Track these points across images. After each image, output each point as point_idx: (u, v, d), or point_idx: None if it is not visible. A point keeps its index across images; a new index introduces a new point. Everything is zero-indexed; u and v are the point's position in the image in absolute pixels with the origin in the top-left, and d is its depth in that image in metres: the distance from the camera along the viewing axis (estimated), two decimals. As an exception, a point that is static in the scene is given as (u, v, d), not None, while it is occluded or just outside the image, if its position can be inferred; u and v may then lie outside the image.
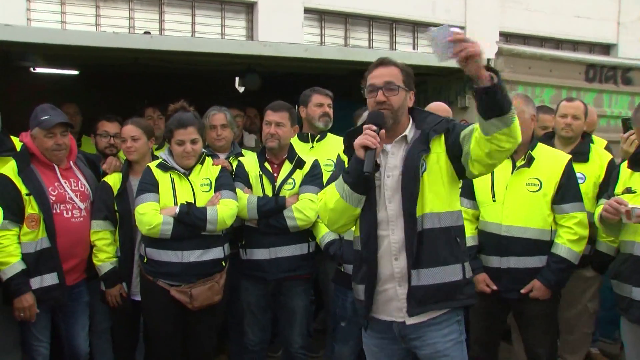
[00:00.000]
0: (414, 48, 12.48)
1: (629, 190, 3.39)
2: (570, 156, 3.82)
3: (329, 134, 4.61)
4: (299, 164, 4.02)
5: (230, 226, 3.82)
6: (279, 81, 7.17)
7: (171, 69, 6.02)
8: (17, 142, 3.86)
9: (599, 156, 4.29)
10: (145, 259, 3.74)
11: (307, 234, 4.01)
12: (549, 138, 4.45)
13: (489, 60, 5.26)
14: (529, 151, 3.71)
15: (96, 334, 4.17)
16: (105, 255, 3.89)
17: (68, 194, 3.81)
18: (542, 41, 13.95)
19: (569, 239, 3.63)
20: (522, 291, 3.66)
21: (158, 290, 3.68)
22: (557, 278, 3.64)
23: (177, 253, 3.64)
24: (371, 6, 12.07)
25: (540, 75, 5.63)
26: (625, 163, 3.56)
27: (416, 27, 12.58)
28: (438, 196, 2.66)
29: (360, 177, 2.58)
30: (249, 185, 4.00)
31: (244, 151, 4.59)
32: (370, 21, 12.35)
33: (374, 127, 2.58)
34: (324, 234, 3.89)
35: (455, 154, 2.64)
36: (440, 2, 12.64)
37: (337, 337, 3.92)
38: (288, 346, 4.11)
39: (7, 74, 5.51)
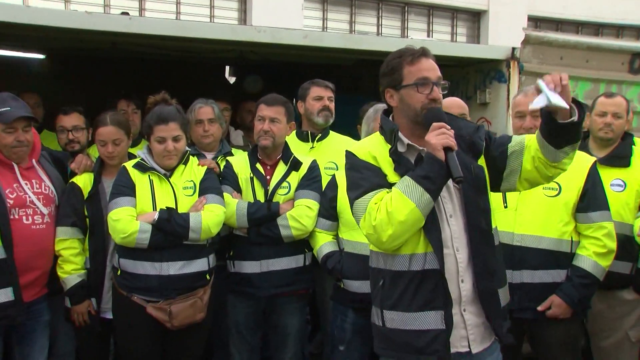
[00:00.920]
0: (428, 35, 12.50)
1: None
2: (594, 159, 3.83)
3: (331, 132, 4.63)
4: (295, 165, 4.04)
5: (217, 235, 3.83)
6: (275, 72, 7.19)
7: (152, 56, 6.04)
8: None
9: None
10: (119, 271, 3.75)
11: (303, 244, 4.02)
12: (581, 139, 4.44)
13: (513, 49, 5.27)
14: None
15: (58, 359, 4.13)
16: (72, 267, 3.89)
17: (29, 197, 3.78)
18: (578, 26, 13.81)
19: (596, 251, 3.63)
20: (539, 308, 3.65)
21: (133, 306, 3.69)
22: (580, 295, 3.63)
23: (155, 265, 3.65)
24: (381, -13, 12.14)
25: (574, 67, 5.60)
26: None
27: (431, 10, 12.60)
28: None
29: (444, 183, 2.63)
30: (239, 189, 4.01)
31: (233, 150, 4.61)
32: (380, 4, 12.38)
33: (448, 126, 2.63)
34: (322, 244, 3.91)
35: (498, 167, 2.78)
36: (459, -18, 12.63)
37: (335, 363, 3.93)
38: (280, 372, 4.12)
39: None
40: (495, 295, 2.81)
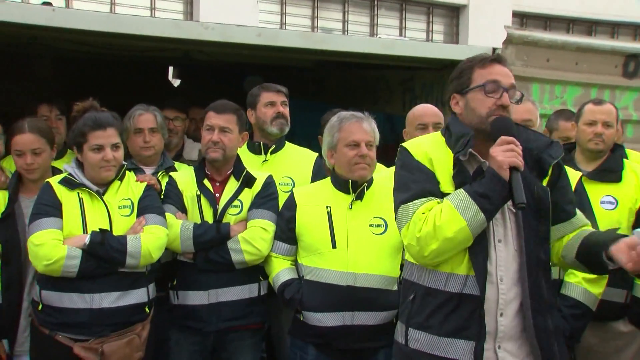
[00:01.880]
0: (400, 33, 12.59)
1: None
2: (579, 174, 3.90)
3: (287, 143, 4.67)
4: (248, 181, 4.07)
5: (158, 261, 3.83)
6: (226, 74, 7.22)
7: (81, 54, 6.00)
8: None
9: (635, 175, 4.30)
10: (40, 306, 3.70)
11: (257, 271, 4.05)
12: (566, 152, 4.49)
13: (494, 50, 5.37)
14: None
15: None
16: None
17: None
18: (569, 23, 13.93)
19: (586, 277, 3.69)
20: None
21: (56, 347, 3.64)
22: (571, 327, 3.69)
23: (84, 297, 3.62)
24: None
25: (563, 70, 5.69)
26: None
27: (404, 5, 12.71)
28: None
29: (502, 205, 2.72)
30: (183, 209, 4.02)
31: (177, 165, 4.62)
32: (346, -2, 12.47)
33: (518, 142, 2.69)
34: (279, 271, 3.93)
35: (554, 208, 2.86)
36: (436, -26, 12.75)
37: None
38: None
39: None
40: (553, 335, 2.85)
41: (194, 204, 4.02)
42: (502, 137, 2.69)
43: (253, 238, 3.92)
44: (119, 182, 3.84)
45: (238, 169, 4.10)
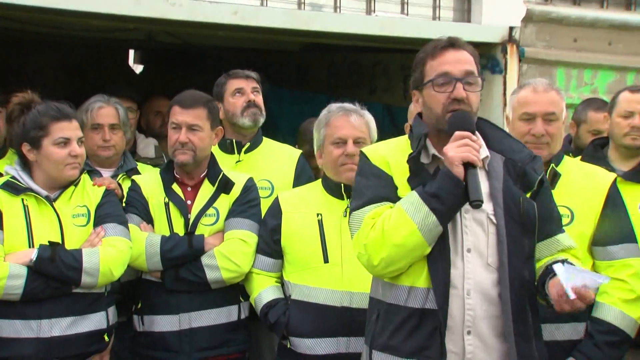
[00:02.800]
0: (402, 10, 12.57)
1: None
2: (614, 175, 3.86)
3: (265, 139, 4.65)
4: (225, 185, 4.03)
5: (118, 280, 3.80)
6: (197, 60, 7.19)
7: (27, 35, 5.94)
8: None
9: None
10: (-24, 336, 3.65)
11: (236, 291, 4.02)
12: (597, 148, 4.47)
13: (511, 29, 5.33)
14: (552, 164, 3.75)
15: None
16: None
17: None
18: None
19: (622, 297, 3.64)
20: None
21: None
22: (606, 356, 3.63)
23: (31, 324, 3.58)
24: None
25: (593, 52, 5.68)
26: None
27: (406, -22, 12.78)
28: None
29: (458, 206, 2.78)
30: (149, 218, 4.00)
31: (140, 166, 4.59)
32: (339, -31, 12.53)
33: (474, 137, 2.77)
34: (262, 290, 3.90)
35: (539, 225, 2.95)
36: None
37: None
38: None
39: None
40: None
41: (161, 212, 3.99)
42: (456, 133, 2.78)
43: (232, 252, 3.88)
44: (73, 186, 3.79)
45: (213, 171, 4.07)
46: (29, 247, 3.61)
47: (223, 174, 4.05)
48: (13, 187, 3.69)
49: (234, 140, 4.51)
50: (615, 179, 3.82)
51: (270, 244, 3.91)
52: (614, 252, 3.67)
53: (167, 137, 4.08)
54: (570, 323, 3.64)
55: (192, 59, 7.35)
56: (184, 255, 3.88)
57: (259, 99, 4.55)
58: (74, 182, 3.77)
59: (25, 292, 3.53)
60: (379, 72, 6.75)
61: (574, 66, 5.59)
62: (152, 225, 3.98)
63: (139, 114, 5.53)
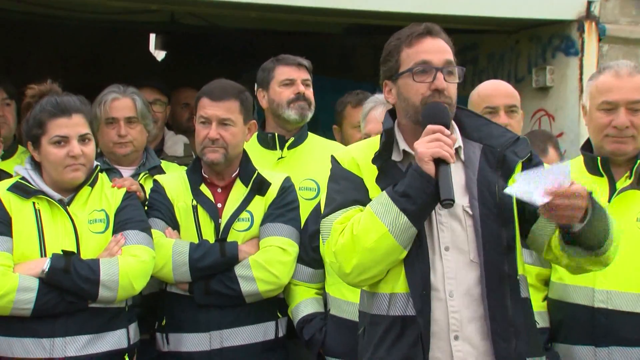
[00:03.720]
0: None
1: None
2: None
3: (310, 134, 4.67)
4: (260, 186, 4.05)
5: (140, 293, 3.83)
6: (227, 45, 7.22)
7: (37, 17, 6.00)
8: None
9: None
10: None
11: (274, 306, 4.05)
12: None
13: (589, 3, 5.28)
14: (639, 161, 3.72)
15: None
16: None
17: None
18: None
19: None
20: None
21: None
22: None
23: (43, 342, 3.62)
24: None
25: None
26: None
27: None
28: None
29: (431, 205, 2.84)
30: (175, 224, 4.02)
31: (164, 164, 4.62)
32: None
33: (447, 131, 2.82)
34: (299, 302, 3.94)
35: (529, 210, 2.96)
36: None
37: None
38: None
39: None
40: None
41: (188, 217, 4.01)
42: (428, 127, 2.85)
43: (269, 262, 3.90)
44: (90, 188, 3.83)
45: (246, 170, 4.09)
46: (41, 256, 3.65)
47: (258, 173, 4.07)
48: (23, 190, 3.74)
49: (276, 134, 4.53)
50: None
51: (310, 253, 3.95)
52: None
53: (196, 135, 4.09)
54: None
55: (220, 45, 7.38)
56: (215, 264, 3.90)
57: (310, 92, 4.57)
58: (89, 183, 3.81)
59: (37, 307, 3.58)
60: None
61: (664, 48, 5.56)
62: (179, 231, 4.00)
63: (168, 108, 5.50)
